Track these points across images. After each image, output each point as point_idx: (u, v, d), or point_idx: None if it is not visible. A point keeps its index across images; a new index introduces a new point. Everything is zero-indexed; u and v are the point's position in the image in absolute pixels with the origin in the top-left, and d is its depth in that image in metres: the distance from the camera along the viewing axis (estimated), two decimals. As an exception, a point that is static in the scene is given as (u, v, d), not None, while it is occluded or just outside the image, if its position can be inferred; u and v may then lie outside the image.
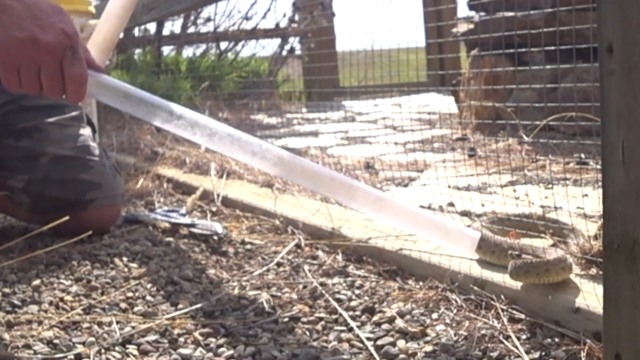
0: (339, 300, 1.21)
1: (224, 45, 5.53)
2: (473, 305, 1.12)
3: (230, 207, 1.97)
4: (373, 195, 1.15)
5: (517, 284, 1.08)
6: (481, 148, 2.54)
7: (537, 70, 2.43)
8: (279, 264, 1.45)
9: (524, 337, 1.00)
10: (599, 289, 0.83)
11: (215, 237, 1.67)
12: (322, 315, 1.16)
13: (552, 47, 1.75)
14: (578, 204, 1.59)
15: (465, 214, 1.62)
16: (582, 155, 2.17)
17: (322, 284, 1.30)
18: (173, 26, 5.39)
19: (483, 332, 1.02)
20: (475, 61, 3.06)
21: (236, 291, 1.29)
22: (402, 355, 0.98)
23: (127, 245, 1.61)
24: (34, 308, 1.20)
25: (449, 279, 1.20)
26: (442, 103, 3.45)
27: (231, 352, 1.02)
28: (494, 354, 0.95)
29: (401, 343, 1.02)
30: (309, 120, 4.54)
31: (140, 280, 1.36)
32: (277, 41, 5.64)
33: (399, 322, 1.09)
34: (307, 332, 1.09)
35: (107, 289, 1.32)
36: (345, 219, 1.59)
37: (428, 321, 1.09)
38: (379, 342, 1.03)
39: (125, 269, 1.44)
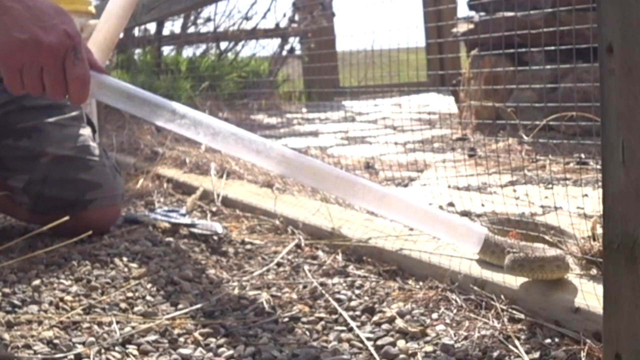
0: (339, 300, 1.21)
1: (224, 45, 5.54)
2: (473, 305, 1.12)
3: (230, 207, 1.97)
4: (377, 192, 1.15)
5: (517, 284, 1.08)
6: (481, 148, 2.54)
7: (537, 70, 2.43)
8: (279, 264, 1.45)
9: (524, 337, 1.00)
10: (599, 289, 0.83)
11: (215, 237, 1.67)
12: (322, 315, 1.16)
13: (552, 47, 1.75)
14: (578, 204, 1.59)
15: (465, 214, 1.62)
16: (582, 155, 2.17)
17: (322, 284, 1.30)
18: (173, 26, 5.40)
19: (483, 332, 1.02)
20: (475, 61, 3.06)
21: (236, 291, 1.29)
22: (402, 355, 0.98)
23: (127, 245, 1.61)
24: (34, 308, 1.20)
25: (449, 279, 1.20)
26: (442, 103, 3.45)
27: (231, 352, 1.02)
28: (494, 354, 0.95)
29: (401, 343, 1.02)
30: (309, 120, 4.54)
31: (140, 280, 1.36)
32: (277, 41, 5.65)
33: (399, 322, 1.09)
34: (307, 332, 1.09)
35: (107, 289, 1.32)
36: (345, 219, 1.59)
37: (428, 321, 1.09)
38: (379, 342, 1.03)
39: (125, 269, 1.44)
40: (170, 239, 1.69)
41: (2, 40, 1.10)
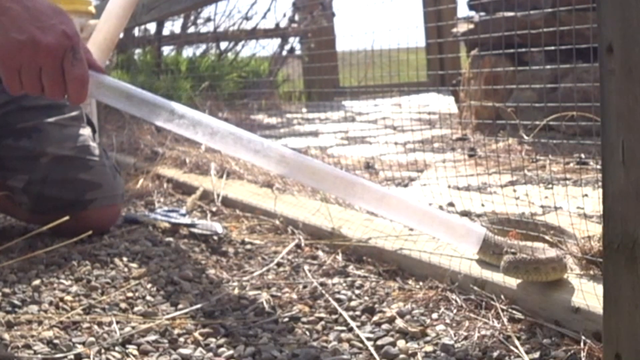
0: (339, 300, 1.21)
1: (224, 45, 5.54)
2: (473, 305, 1.12)
3: (230, 207, 1.97)
4: (377, 192, 1.14)
5: (517, 284, 1.08)
6: (481, 148, 2.54)
7: (537, 70, 2.43)
8: (279, 264, 1.45)
9: (523, 337, 1.00)
10: (599, 289, 0.83)
11: (215, 237, 1.67)
12: (322, 315, 1.16)
13: (552, 47, 1.75)
14: (578, 204, 1.59)
15: (465, 214, 1.62)
16: (582, 155, 2.17)
17: (322, 284, 1.30)
18: (173, 26, 5.40)
19: (483, 332, 1.02)
20: (475, 61, 3.06)
21: (236, 291, 1.29)
22: (402, 355, 0.98)
23: (127, 245, 1.61)
24: (34, 308, 1.20)
25: (449, 279, 1.20)
26: (442, 103, 3.45)
27: (231, 352, 1.02)
28: (494, 354, 0.95)
29: (401, 343, 1.02)
30: (309, 120, 4.54)
31: (140, 280, 1.36)
32: (277, 41, 5.65)
33: (399, 322, 1.09)
34: (307, 332, 1.09)
35: (107, 289, 1.32)
36: (345, 219, 1.59)
37: (428, 321, 1.09)
38: (379, 342, 1.03)
39: (125, 269, 1.44)
40: (170, 239, 1.69)
41: (0, 41, 1.10)
